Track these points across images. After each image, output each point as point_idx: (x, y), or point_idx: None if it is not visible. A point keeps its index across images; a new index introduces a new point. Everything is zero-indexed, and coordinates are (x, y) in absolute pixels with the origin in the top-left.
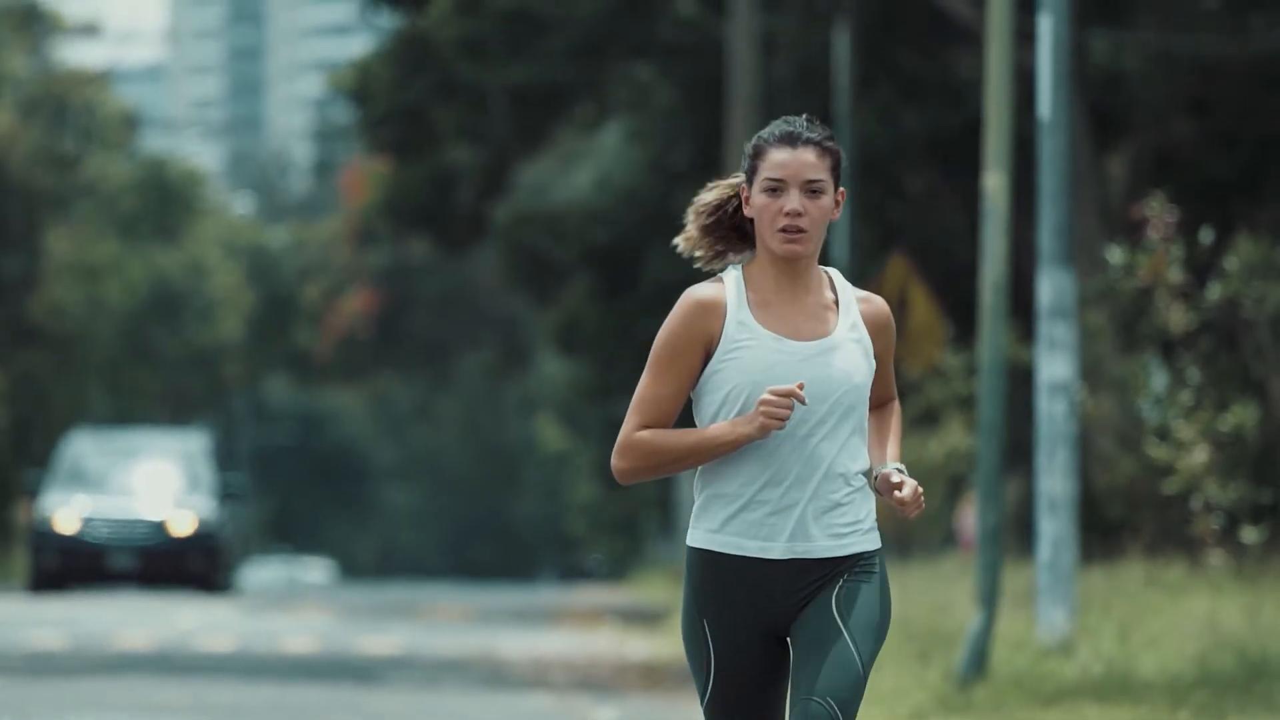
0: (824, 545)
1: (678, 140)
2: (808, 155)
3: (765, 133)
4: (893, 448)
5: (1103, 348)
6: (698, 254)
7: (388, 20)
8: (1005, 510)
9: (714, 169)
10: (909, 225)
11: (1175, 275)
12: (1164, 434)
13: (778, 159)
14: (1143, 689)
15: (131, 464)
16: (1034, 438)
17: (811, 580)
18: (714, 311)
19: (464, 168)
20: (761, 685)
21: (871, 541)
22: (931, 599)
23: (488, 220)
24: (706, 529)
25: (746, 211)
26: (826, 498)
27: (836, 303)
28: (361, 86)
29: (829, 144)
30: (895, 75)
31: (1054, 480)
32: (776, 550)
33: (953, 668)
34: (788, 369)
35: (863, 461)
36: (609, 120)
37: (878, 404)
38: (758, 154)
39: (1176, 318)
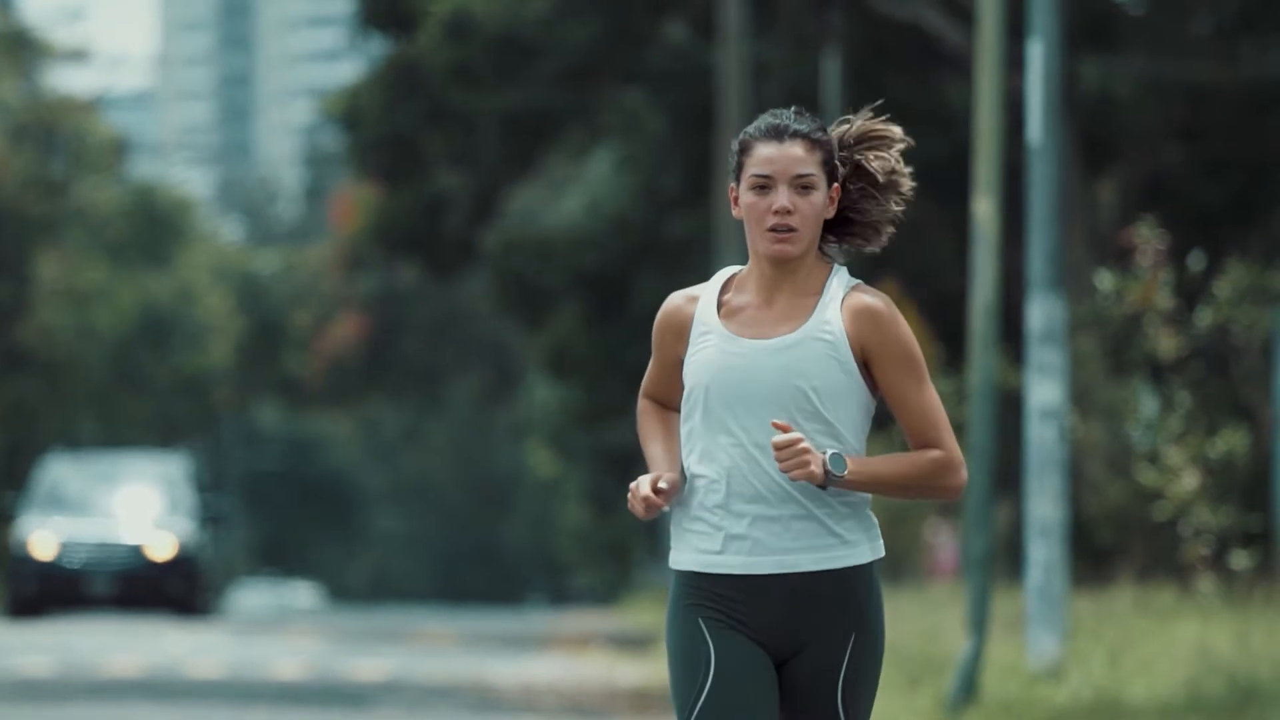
0: (814, 558)
1: (667, 166)
2: (795, 149)
3: (751, 127)
4: (874, 457)
5: (1092, 373)
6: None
7: (378, 46)
8: (995, 536)
9: (703, 195)
10: (899, 251)
11: (1165, 301)
12: (1154, 459)
13: (764, 154)
14: (1133, 714)
15: (110, 487)
16: (1023, 463)
17: (809, 605)
18: (681, 317)
19: (454, 193)
20: (758, 700)
21: (860, 553)
22: (921, 625)
23: (477, 246)
24: (685, 547)
25: (735, 213)
26: (803, 507)
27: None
28: (351, 112)
29: (819, 136)
30: (885, 102)
31: (1044, 506)
32: (760, 566)
33: (943, 694)
34: (735, 371)
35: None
36: (599, 146)
37: (916, 445)
38: (744, 150)
39: (1166, 343)
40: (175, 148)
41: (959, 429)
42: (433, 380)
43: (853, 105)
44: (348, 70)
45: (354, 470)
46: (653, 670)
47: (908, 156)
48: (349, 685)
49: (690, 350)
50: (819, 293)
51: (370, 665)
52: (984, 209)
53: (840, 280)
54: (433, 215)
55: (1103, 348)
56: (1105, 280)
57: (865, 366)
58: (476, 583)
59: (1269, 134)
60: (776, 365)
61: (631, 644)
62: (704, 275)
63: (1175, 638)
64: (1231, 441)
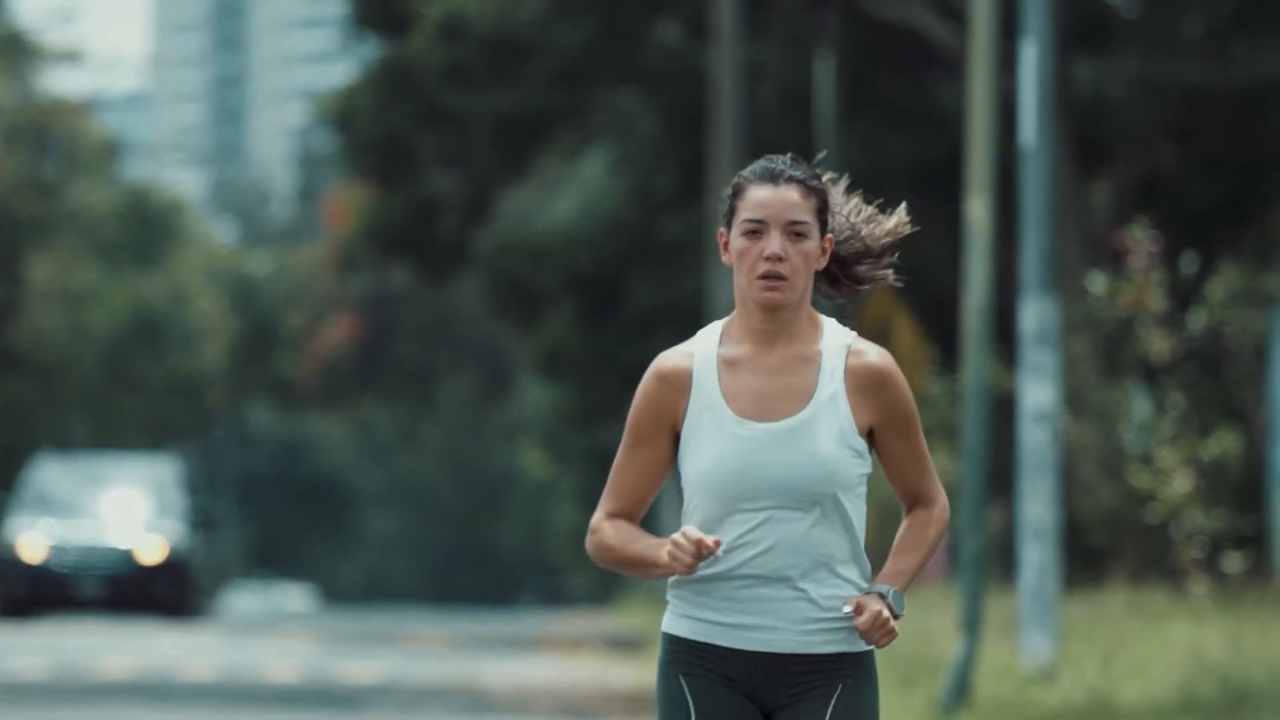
0: (804, 641)
1: (661, 167)
2: (791, 194)
3: (746, 171)
4: (896, 562)
5: (1085, 375)
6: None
7: (371, 48)
8: (988, 538)
9: (697, 196)
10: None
11: (1157, 303)
12: (1147, 461)
13: (758, 198)
14: (1126, 717)
15: (99, 490)
16: (1016, 465)
17: (797, 675)
18: (678, 386)
19: (447, 195)
20: None
21: (856, 640)
22: (914, 626)
23: (470, 247)
24: (677, 614)
25: (724, 259)
26: (807, 590)
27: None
28: (345, 114)
29: (814, 184)
30: (878, 103)
31: (1037, 507)
32: (750, 642)
33: (936, 695)
34: (741, 458)
35: (847, 549)
36: (592, 147)
37: (908, 503)
38: (737, 193)
39: (1159, 345)
40: (168, 149)
41: (953, 432)
42: (426, 381)
43: (846, 106)
44: (341, 72)
45: (348, 472)
46: (646, 672)
47: (901, 157)
48: (342, 688)
49: (690, 417)
50: (814, 345)
51: (363, 667)
52: (977, 211)
53: (834, 336)
54: (426, 217)
55: (1096, 350)
56: (1098, 282)
57: (867, 431)
58: (470, 584)
59: (1263, 134)
60: (788, 450)
61: (625, 645)
62: (697, 276)
63: (1168, 640)
64: (1224, 444)
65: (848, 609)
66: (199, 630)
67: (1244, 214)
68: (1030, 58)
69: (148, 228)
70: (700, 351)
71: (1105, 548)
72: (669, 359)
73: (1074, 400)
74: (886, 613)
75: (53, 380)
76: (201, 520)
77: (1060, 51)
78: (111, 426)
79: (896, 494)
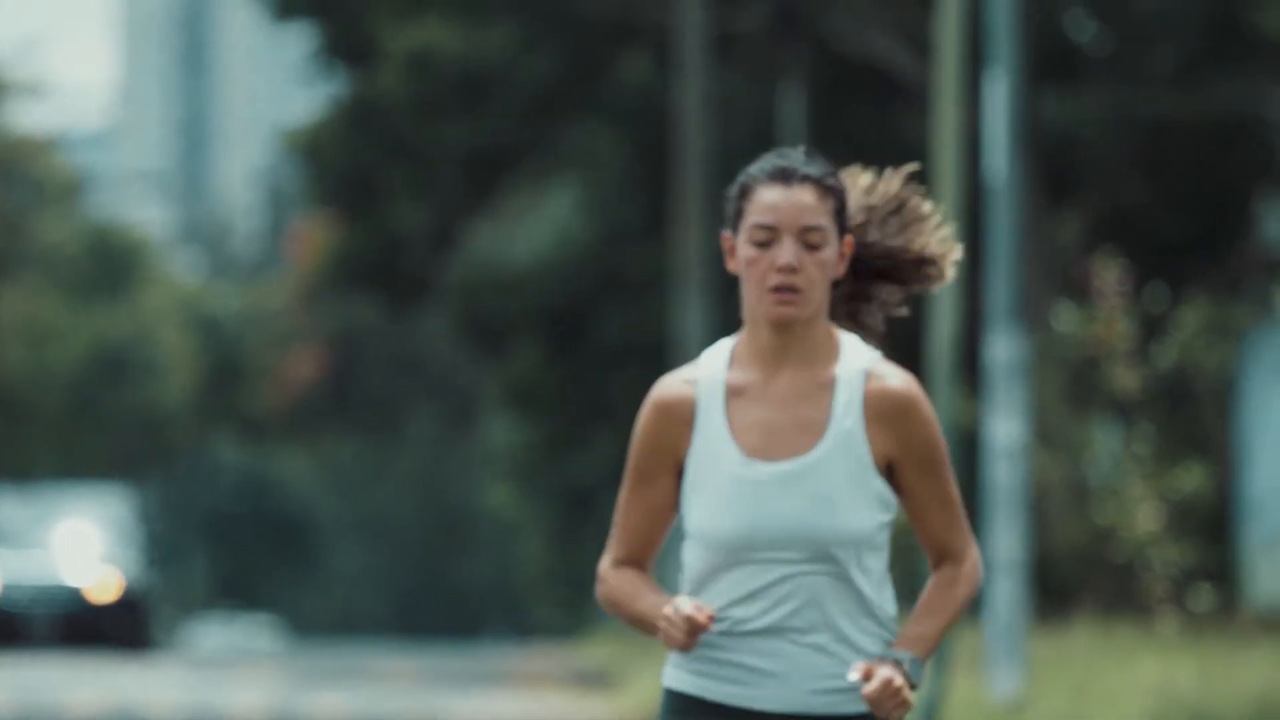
0: (819, 701)
1: (627, 201)
2: (805, 196)
3: (754, 168)
4: (916, 626)
5: (1053, 409)
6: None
7: (339, 81)
8: None
9: (663, 230)
10: None
11: (1124, 341)
12: (1114, 495)
13: (768, 200)
14: None
15: (50, 523)
16: (982, 499)
17: None
18: (681, 418)
19: (413, 227)
20: None
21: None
22: None
23: (437, 280)
24: (686, 669)
25: (730, 266)
26: (820, 648)
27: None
28: (312, 146)
29: (831, 182)
30: (845, 136)
31: (1005, 542)
32: (761, 701)
33: None
34: (746, 505)
35: (864, 606)
36: (558, 181)
37: (935, 557)
38: (744, 194)
39: (1127, 379)
40: (134, 179)
41: None
42: (393, 415)
43: (814, 139)
44: (308, 105)
45: (314, 505)
46: (611, 707)
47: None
48: None
49: (694, 454)
50: (831, 367)
51: (330, 702)
52: None
53: (854, 356)
54: (392, 249)
55: (1063, 384)
56: (1066, 319)
57: (888, 468)
58: (437, 618)
59: (1231, 167)
60: (797, 496)
61: (592, 680)
62: (662, 309)
63: (1136, 674)
64: (1193, 478)
65: (854, 676)
66: (165, 666)
67: (1212, 247)
68: (998, 91)
69: (113, 263)
70: (704, 377)
71: (1073, 582)
72: (669, 388)
73: (1042, 435)
74: (899, 680)
75: (17, 415)
76: (156, 553)
77: (1028, 85)
78: (76, 461)
79: (922, 546)
